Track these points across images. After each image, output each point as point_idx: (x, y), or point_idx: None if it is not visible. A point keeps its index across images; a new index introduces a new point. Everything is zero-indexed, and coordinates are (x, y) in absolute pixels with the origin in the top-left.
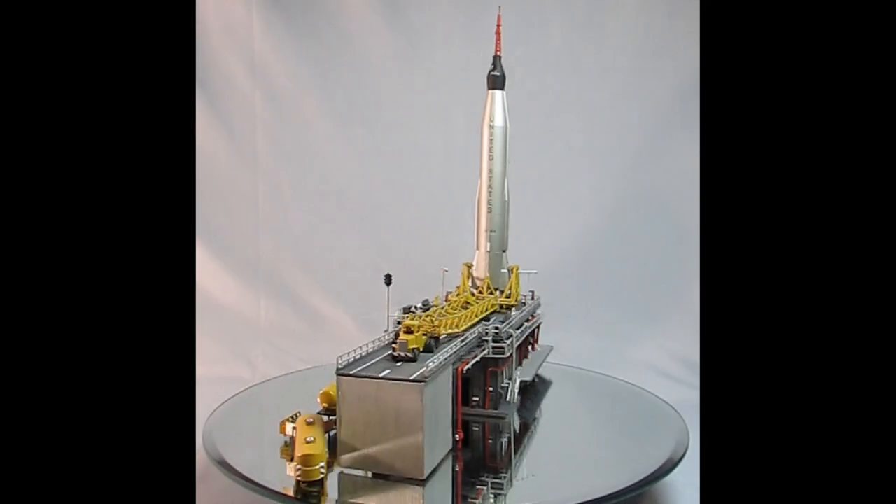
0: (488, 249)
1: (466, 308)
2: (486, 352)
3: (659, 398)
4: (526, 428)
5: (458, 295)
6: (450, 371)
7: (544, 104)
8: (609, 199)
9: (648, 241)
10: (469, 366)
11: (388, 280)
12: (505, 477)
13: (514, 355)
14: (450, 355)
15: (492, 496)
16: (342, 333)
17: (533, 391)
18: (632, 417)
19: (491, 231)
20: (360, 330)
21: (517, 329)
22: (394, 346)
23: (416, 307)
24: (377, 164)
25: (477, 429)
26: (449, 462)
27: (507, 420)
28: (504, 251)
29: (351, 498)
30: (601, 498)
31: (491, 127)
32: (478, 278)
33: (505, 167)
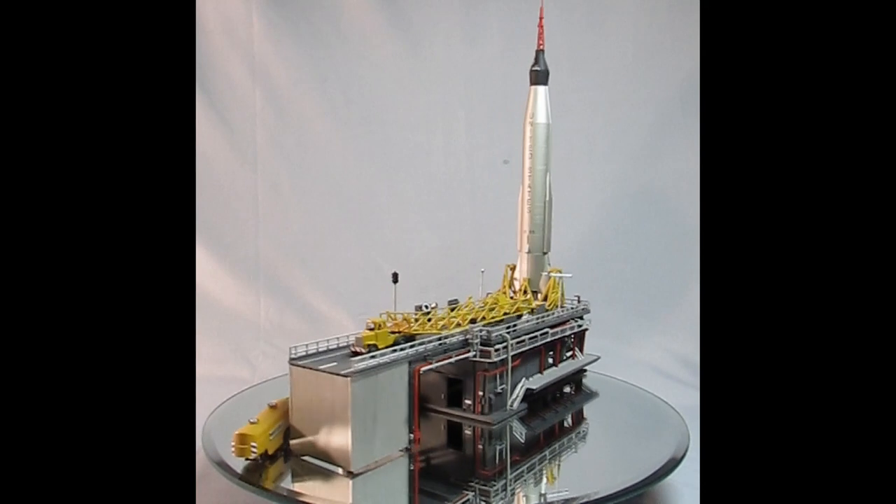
0: (527, 251)
1: (493, 310)
2: (473, 355)
3: (659, 398)
4: (517, 435)
5: (496, 296)
6: (403, 370)
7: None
8: (609, 200)
9: (649, 241)
10: (430, 367)
11: (395, 278)
12: (472, 482)
13: (509, 361)
14: (402, 355)
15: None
16: (342, 333)
17: (566, 400)
18: (632, 418)
19: (530, 232)
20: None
21: (528, 334)
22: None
23: (426, 306)
24: (377, 164)
25: (469, 432)
26: (404, 461)
27: (494, 426)
28: (545, 253)
29: (286, 482)
30: (601, 498)
31: (532, 124)
32: (517, 280)
33: (547, 166)
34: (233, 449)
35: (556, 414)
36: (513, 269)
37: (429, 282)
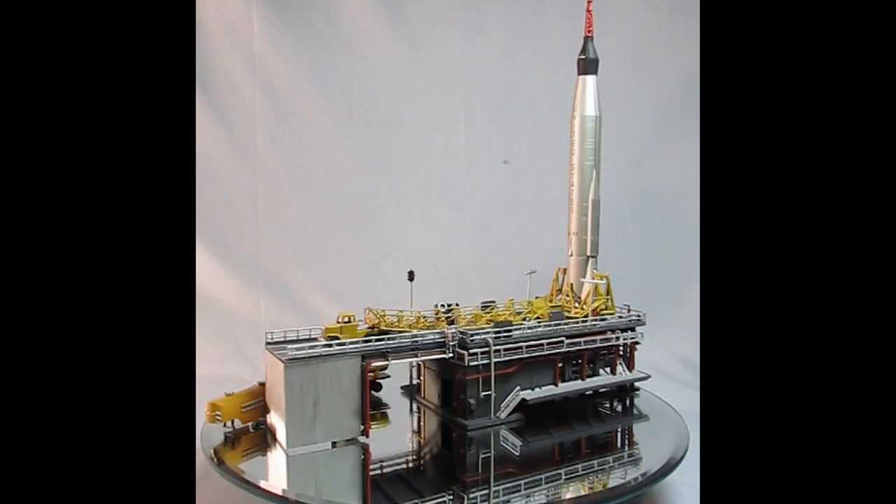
0: (570, 254)
1: (519, 314)
2: (450, 357)
3: (659, 399)
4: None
5: (539, 301)
6: (354, 362)
7: (545, 104)
8: (609, 200)
9: (649, 242)
10: (382, 364)
11: (410, 276)
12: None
13: (492, 366)
14: (353, 348)
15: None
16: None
17: (601, 418)
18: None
19: (574, 233)
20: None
21: (526, 341)
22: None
23: (443, 304)
24: (376, 164)
25: (453, 435)
26: (355, 450)
27: (468, 431)
28: (591, 257)
29: (224, 454)
30: (601, 498)
31: (580, 117)
32: (566, 284)
33: (596, 162)
34: (205, 416)
35: (573, 432)
36: (564, 272)
37: (429, 282)
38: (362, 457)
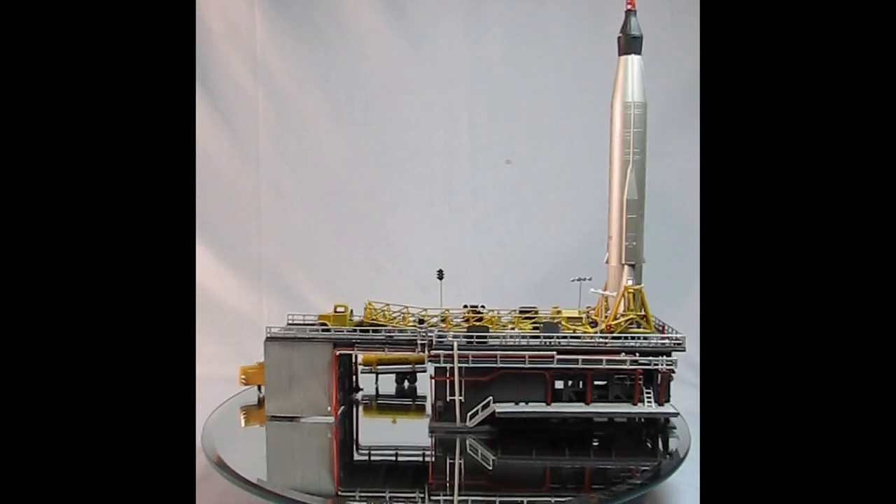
0: (605, 260)
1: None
2: (424, 354)
3: None
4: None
5: (575, 311)
6: (325, 348)
7: (545, 104)
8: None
9: (649, 241)
10: (349, 353)
11: (440, 275)
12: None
13: (456, 371)
14: (326, 335)
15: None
16: None
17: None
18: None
19: (610, 238)
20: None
21: (503, 350)
22: None
23: (471, 306)
24: (379, 163)
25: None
26: (325, 429)
27: (427, 432)
28: (629, 265)
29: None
30: (601, 498)
31: (620, 103)
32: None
33: (641, 156)
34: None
35: (555, 459)
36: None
37: (429, 281)
38: (329, 436)
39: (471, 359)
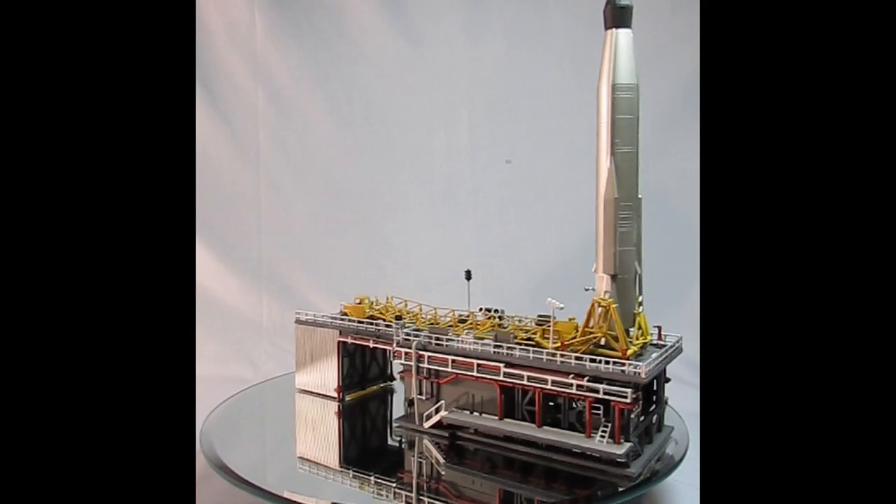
0: (593, 269)
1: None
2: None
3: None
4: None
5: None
6: (333, 334)
7: (544, 104)
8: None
9: (649, 241)
10: (352, 341)
11: (468, 275)
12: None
13: (415, 369)
14: (336, 324)
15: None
16: None
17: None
18: None
19: (596, 242)
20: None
21: (454, 355)
22: None
23: (487, 309)
24: (379, 163)
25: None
26: (331, 404)
27: (402, 433)
28: (619, 275)
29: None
30: (601, 498)
31: (607, 85)
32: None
33: (635, 149)
34: None
35: (497, 479)
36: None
37: (430, 281)
38: (334, 412)
39: (426, 359)
